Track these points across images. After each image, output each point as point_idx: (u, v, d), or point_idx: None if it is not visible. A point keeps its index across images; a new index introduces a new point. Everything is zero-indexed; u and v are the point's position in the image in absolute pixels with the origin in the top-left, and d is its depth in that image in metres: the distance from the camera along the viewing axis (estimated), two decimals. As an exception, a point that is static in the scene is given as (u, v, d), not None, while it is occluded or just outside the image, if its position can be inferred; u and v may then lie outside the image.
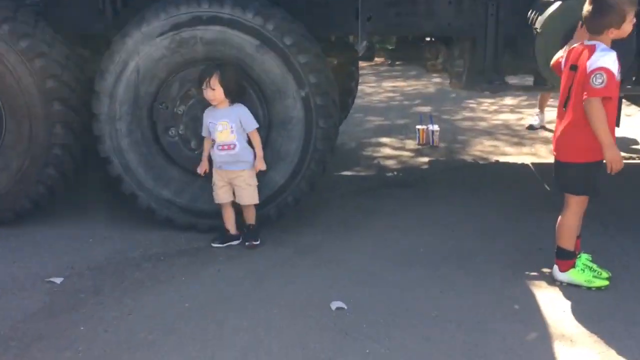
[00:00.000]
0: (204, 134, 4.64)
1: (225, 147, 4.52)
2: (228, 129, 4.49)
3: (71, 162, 5.00)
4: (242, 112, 4.53)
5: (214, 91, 4.42)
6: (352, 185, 6.04)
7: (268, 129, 4.73)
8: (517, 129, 8.33)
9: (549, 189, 5.88)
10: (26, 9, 4.91)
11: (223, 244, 4.68)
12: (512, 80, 5.82)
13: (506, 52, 5.32)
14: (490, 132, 8.15)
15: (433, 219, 5.18)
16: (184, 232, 4.88)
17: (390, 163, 6.84)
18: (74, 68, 4.97)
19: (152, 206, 4.88)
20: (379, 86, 11.68)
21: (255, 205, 4.70)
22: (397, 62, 6.40)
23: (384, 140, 7.77)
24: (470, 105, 10.01)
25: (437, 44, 5.82)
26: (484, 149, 7.38)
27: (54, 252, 4.56)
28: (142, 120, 4.76)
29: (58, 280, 4.12)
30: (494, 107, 9.70)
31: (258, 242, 4.66)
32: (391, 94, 10.96)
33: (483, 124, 8.67)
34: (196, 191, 4.80)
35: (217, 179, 4.63)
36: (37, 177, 4.89)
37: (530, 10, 4.98)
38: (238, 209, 4.70)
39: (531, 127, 8.27)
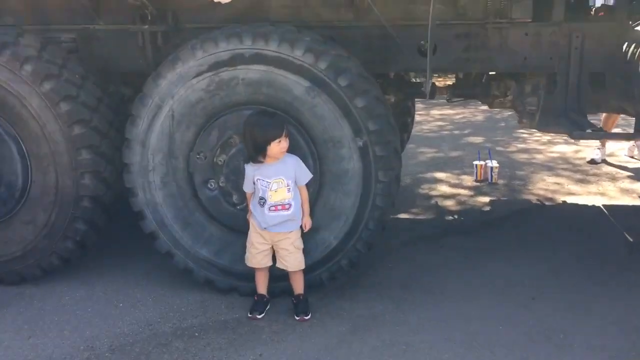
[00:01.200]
0: (247, 189, 3.52)
1: (279, 207, 3.40)
2: (284, 187, 3.38)
3: (102, 214, 3.94)
4: (297, 163, 3.43)
5: (285, 144, 3.38)
6: (411, 233, 4.82)
7: (320, 184, 3.56)
8: (577, 163, 6.95)
9: (630, 239, 4.58)
10: (55, 47, 3.89)
11: (262, 313, 3.54)
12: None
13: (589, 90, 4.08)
14: (550, 167, 6.80)
15: (505, 281, 3.93)
16: (225, 296, 3.77)
17: (448, 204, 5.58)
18: (106, 111, 3.91)
19: (190, 266, 3.77)
20: (427, 114, 10.40)
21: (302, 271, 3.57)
22: (455, 100, 5.08)
23: (440, 175, 6.52)
24: (522, 135, 8.63)
25: (506, 80, 4.57)
26: (547, 186, 6.06)
27: (77, 323, 3.48)
28: (177, 172, 3.66)
29: (71, 368, 3.05)
30: (546, 138, 8.29)
31: (309, 317, 3.49)
32: (441, 123, 9.67)
33: (540, 157, 7.31)
34: (237, 251, 3.66)
35: (258, 241, 3.49)
36: (65, 232, 3.83)
37: (627, 43, 3.71)
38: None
39: (593, 162, 6.90)
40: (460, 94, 4.79)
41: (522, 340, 3.23)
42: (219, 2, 3.98)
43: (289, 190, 3.39)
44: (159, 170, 3.65)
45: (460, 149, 7.76)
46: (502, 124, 9.40)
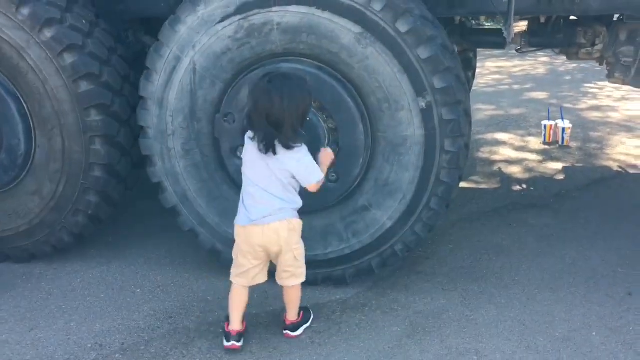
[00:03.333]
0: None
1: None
2: None
3: (117, 185, 3.40)
4: None
5: None
6: (473, 206, 4.16)
7: (372, 154, 2.93)
8: (659, 123, 6.13)
9: None
10: (58, -13, 3.30)
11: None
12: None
13: None
14: (629, 127, 5.97)
15: (591, 269, 3.26)
16: (257, 282, 3.23)
17: (514, 171, 4.87)
18: (119, 64, 3.32)
19: (218, 247, 3.22)
20: (482, 66, 9.50)
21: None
22: (530, 50, 4.29)
23: (502, 136, 5.77)
24: (591, 90, 7.75)
25: (595, 25, 3.78)
26: (628, 150, 5.26)
27: (86, 313, 2.98)
28: (201, 137, 3.07)
29: (73, 374, 2.56)
30: (620, 93, 7.40)
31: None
32: (497, 76, 8.81)
33: (615, 115, 6.46)
34: (273, 231, 3.11)
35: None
36: (75, 205, 3.32)
37: None
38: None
39: None
40: (537, 42, 4.00)
41: (625, 354, 2.60)
42: None
43: None
44: (179, 135, 3.07)
45: (522, 106, 6.96)
46: (568, 78, 8.51)
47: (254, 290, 3.14)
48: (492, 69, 9.42)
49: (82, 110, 3.15)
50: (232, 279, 2.74)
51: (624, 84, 3.88)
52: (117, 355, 2.66)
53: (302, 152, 2.55)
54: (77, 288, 3.24)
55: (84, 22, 3.21)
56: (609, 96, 7.39)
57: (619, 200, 4.20)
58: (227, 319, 2.75)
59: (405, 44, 2.72)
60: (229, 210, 3.13)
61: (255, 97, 2.49)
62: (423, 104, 2.78)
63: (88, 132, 3.19)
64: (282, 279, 2.74)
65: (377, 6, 2.70)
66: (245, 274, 2.70)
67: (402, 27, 2.71)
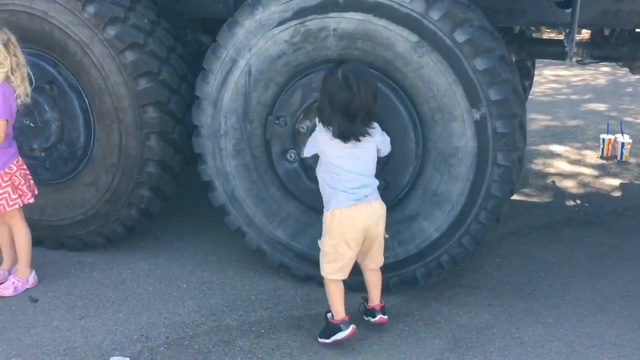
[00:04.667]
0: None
1: None
2: None
3: (170, 181, 3.48)
4: None
5: None
6: (524, 220, 4.06)
7: (422, 162, 2.90)
8: None
9: None
10: (122, -14, 3.39)
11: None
12: None
13: None
14: (693, 145, 5.74)
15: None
16: (300, 284, 3.24)
17: (568, 185, 4.74)
18: (177, 63, 3.39)
19: (263, 248, 3.25)
20: (539, 74, 9.25)
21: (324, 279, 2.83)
22: (591, 61, 4.16)
23: (557, 148, 5.62)
24: (654, 103, 7.47)
25: (662, 39, 3.64)
26: (690, 170, 5.07)
27: (134, 304, 3.06)
28: (253, 138, 3.10)
29: (118, 364, 2.63)
30: (685, 108, 7.12)
31: (327, 341, 2.74)
32: (555, 85, 8.58)
33: (679, 131, 6.22)
34: (317, 235, 3.06)
35: None
36: (129, 198, 3.41)
37: None
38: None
39: None
40: (599, 55, 3.88)
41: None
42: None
43: None
44: (231, 136, 3.11)
45: (579, 118, 6.76)
46: (629, 90, 8.21)
47: (296, 293, 3.18)
48: (550, 77, 9.18)
49: (139, 107, 3.24)
50: (329, 275, 2.74)
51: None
52: (161, 349, 2.72)
53: (378, 126, 2.71)
54: (127, 280, 3.33)
55: (145, 21, 3.29)
56: (673, 111, 7.10)
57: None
58: (327, 315, 2.79)
59: (462, 54, 2.68)
60: (276, 212, 3.18)
61: (334, 91, 2.56)
62: (477, 116, 2.73)
63: (144, 128, 3.27)
64: (376, 261, 2.81)
65: (435, 15, 2.66)
66: (346, 265, 2.73)
67: (460, 37, 2.67)
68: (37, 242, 3.63)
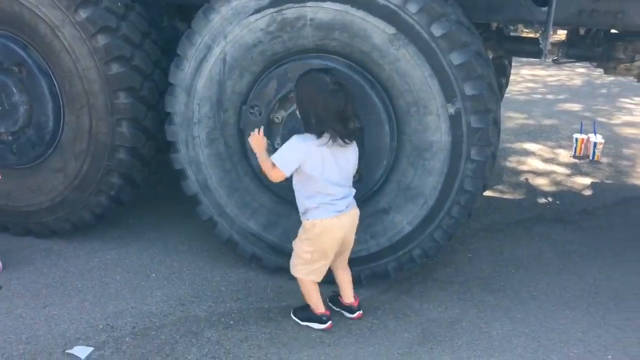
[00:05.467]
0: None
1: None
2: None
3: (141, 168, 3.43)
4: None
5: None
6: (496, 216, 4.09)
7: (396, 156, 2.90)
8: (695, 144, 5.96)
9: None
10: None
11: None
12: None
13: None
14: (663, 146, 5.84)
15: (612, 290, 3.17)
16: (272, 276, 3.22)
17: (541, 183, 4.79)
18: (151, 48, 3.33)
19: (235, 238, 3.22)
20: (517, 73, 9.34)
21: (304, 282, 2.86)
22: (567, 61, 4.20)
23: (531, 147, 5.67)
24: (627, 105, 7.56)
25: (636, 41, 3.68)
26: (660, 171, 5.16)
27: (101, 293, 3.01)
28: (227, 127, 3.06)
29: (83, 353, 2.58)
30: (658, 110, 7.25)
31: (300, 323, 2.83)
32: (532, 85, 8.65)
33: (650, 133, 6.33)
34: (290, 226, 3.08)
35: None
36: (98, 185, 3.35)
37: None
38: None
39: None
40: (574, 54, 3.91)
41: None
42: None
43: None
44: (205, 124, 3.07)
45: (554, 117, 6.83)
46: (604, 91, 8.32)
47: (268, 284, 3.16)
48: (527, 76, 9.26)
49: (111, 92, 3.17)
50: (304, 276, 2.78)
51: (661, 103, 3.78)
52: (127, 339, 2.68)
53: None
54: (94, 268, 3.28)
55: (119, 4, 3.22)
56: (645, 112, 7.22)
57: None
58: (308, 308, 2.83)
59: (439, 48, 2.68)
60: (249, 202, 3.15)
61: (328, 100, 2.51)
62: (452, 110, 2.73)
63: (115, 114, 3.21)
64: (345, 261, 2.88)
65: (413, 8, 2.65)
66: (320, 270, 2.76)
67: (437, 31, 2.66)
68: (2, 227, 3.57)
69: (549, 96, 8.02)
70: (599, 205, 4.37)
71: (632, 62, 3.77)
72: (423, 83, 2.73)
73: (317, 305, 2.80)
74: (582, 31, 3.76)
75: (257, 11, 2.83)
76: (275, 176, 2.64)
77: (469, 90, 2.70)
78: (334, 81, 2.57)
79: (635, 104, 7.62)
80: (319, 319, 2.79)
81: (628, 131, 6.34)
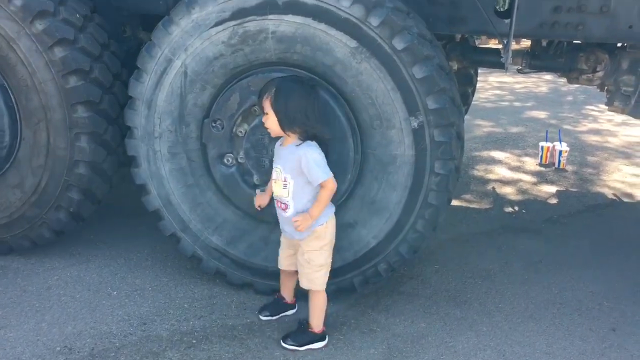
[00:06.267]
0: None
1: (279, 203, 2.70)
2: (280, 180, 2.64)
3: (101, 183, 3.34)
4: (305, 155, 2.55)
5: (267, 117, 2.60)
6: (461, 226, 4.10)
7: (360, 170, 2.87)
8: (657, 151, 6.07)
9: None
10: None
11: (274, 315, 2.93)
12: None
13: None
14: (627, 154, 5.92)
15: (577, 301, 3.18)
16: (237, 292, 3.17)
17: (508, 191, 4.82)
18: (111, 60, 3.26)
19: (199, 254, 3.16)
20: (484, 80, 9.47)
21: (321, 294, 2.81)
22: (530, 71, 4.25)
23: (498, 155, 5.72)
24: (592, 112, 7.70)
25: (597, 51, 3.72)
26: (623, 178, 5.21)
27: (59, 313, 2.92)
28: (188, 141, 3.00)
29: (38, 378, 2.50)
30: (620, 118, 7.35)
31: (294, 348, 2.73)
32: (499, 92, 8.76)
33: (614, 140, 6.41)
34: (256, 242, 3.05)
35: (283, 239, 2.86)
36: (57, 201, 3.26)
37: None
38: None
39: None
40: (537, 65, 3.94)
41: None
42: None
43: (285, 186, 2.63)
44: (166, 138, 3.01)
45: (521, 125, 6.92)
46: (569, 98, 8.46)
47: (232, 301, 3.11)
48: (494, 84, 9.37)
49: (69, 106, 3.09)
50: (325, 287, 2.78)
51: (622, 112, 3.83)
52: (85, 361, 2.61)
53: None
54: (53, 286, 3.18)
55: (77, 16, 3.14)
56: (609, 120, 7.34)
57: (611, 230, 4.14)
58: (302, 323, 2.82)
59: (401, 61, 2.66)
60: (212, 217, 3.09)
61: (309, 103, 2.57)
62: (415, 124, 2.72)
63: (74, 128, 3.13)
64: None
65: (375, 21, 2.63)
66: None
67: (398, 44, 2.65)
68: (-44, 245, 3.45)
69: (516, 103, 8.13)
70: (564, 214, 4.41)
71: (594, 72, 3.81)
72: (386, 96, 2.71)
73: (322, 320, 2.79)
74: (544, 42, 3.79)
75: (219, 24, 2.78)
76: (333, 186, 2.61)
77: (431, 103, 2.69)
78: (308, 83, 2.63)
79: (600, 111, 7.75)
80: (321, 337, 2.76)
81: (593, 139, 6.44)
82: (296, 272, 2.83)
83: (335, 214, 2.89)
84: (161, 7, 3.46)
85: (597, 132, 6.74)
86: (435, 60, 2.73)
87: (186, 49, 2.85)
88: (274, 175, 2.66)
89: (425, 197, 2.82)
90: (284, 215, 2.67)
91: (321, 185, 2.57)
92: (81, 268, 3.37)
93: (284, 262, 2.86)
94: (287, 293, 2.99)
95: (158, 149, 3.03)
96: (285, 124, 2.57)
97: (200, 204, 3.09)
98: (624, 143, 6.31)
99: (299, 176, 2.59)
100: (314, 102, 2.59)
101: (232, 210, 3.07)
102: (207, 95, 2.92)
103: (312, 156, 2.54)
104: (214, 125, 2.94)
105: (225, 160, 2.99)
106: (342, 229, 2.93)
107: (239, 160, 2.99)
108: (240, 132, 2.95)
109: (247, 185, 3.00)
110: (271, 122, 2.59)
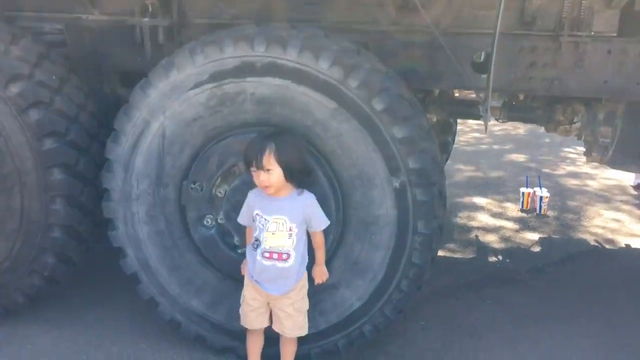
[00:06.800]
0: (243, 221, 2.79)
1: (275, 255, 2.65)
2: (285, 231, 2.62)
3: (77, 246, 3.25)
4: (310, 204, 2.65)
5: (270, 174, 2.56)
6: (446, 278, 4.04)
7: (342, 231, 2.82)
8: (634, 194, 6.12)
9: None
10: (30, 40, 3.19)
11: None
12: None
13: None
14: (606, 198, 5.96)
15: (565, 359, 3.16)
16: (218, 356, 3.07)
17: (491, 239, 4.80)
18: (88, 121, 3.22)
19: (178, 318, 3.07)
20: (463, 123, 9.50)
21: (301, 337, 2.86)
22: (507, 121, 4.30)
23: (480, 201, 5.72)
24: (570, 155, 7.79)
25: (574, 103, 3.77)
26: (604, 223, 5.23)
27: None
28: (167, 203, 2.95)
29: None
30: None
31: None
32: (478, 135, 8.81)
33: (593, 184, 6.47)
34: (236, 305, 2.94)
35: (251, 296, 2.76)
36: (31, 266, 3.16)
37: None
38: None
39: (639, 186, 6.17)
40: (515, 116, 3.98)
41: None
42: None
43: (290, 236, 2.62)
44: (144, 200, 2.95)
45: (501, 169, 6.96)
46: (547, 140, 8.53)
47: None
48: (473, 126, 9.45)
49: (44, 169, 3.02)
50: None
51: (601, 163, 3.87)
52: None
53: None
54: (25, 356, 3.05)
55: (53, 77, 3.12)
56: (587, 163, 7.41)
57: (596, 280, 4.11)
58: None
59: (381, 122, 2.65)
60: (192, 280, 3.02)
61: (302, 153, 2.65)
62: (397, 184, 2.70)
63: (49, 191, 3.05)
64: None
65: (353, 83, 2.63)
66: None
67: (378, 105, 2.64)
68: None
69: (495, 146, 8.20)
70: (548, 262, 4.39)
71: (572, 123, 3.86)
72: (367, 157, 2.69)
73: None
74: (521, 95, 3.84)
75: (197, 86, 2.76)
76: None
77: (412, 163, 2.67)
78: (291, 132, 2.69)
79: (577, 154, 7.83)
80: None
81: (572, 182, 6.49)
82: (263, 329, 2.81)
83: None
84: (139, 64, 3.47)
85: (575, 175, 6.80)
86: (415, 121, 2.72)
87: (164, 111, 2.82)
88: (272, 227, 2.61)
89: (409, 257, 2.78)
90: (282, 267, 2.64)
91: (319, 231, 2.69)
92: (55, 335, 3.24)
93: (256, 322, 2.78)
94: (256, 356, 2.89)
95: (136, 212, 2.97)
96: (290, 174, 2.59)
97: (179, 267, 3.01)
98: (602, 186, 6.36)
99: (302, 225, 2.64)
100: (305, 147, 2.68)
101: (212, 272, 3.00)
102: (185, 156, 2.88)
103: (316, 202, 2.68)
104: (193, 186, 2.89)
105: (204, 222, 2.94)
106: (326, 290, 2.88)
107: (219, 221, 2.93)
108: (220, 192, 2.90)
109: (228, 246, 2.95)
110: (275, 177, 2.57)
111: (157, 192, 2.93)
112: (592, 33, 3.15)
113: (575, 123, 3.84)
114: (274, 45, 2.67)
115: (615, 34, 3.18)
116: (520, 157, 7.54)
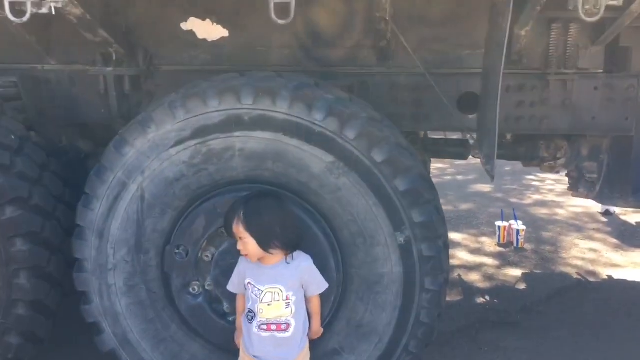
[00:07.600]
0: (233, 289, 2.55)
1: (273, 326, 2.42)
2: (281, 301, 2.39)
3: (44, 322, 2.92)
4: (307, 269, 2.44)
5: (244, 243, 2.36)
6: (441, 323, 3.89)
7: (344, 292, 2.62)
8: (605, 221, 6.17)
9: None
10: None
11: None
12: None
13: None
14: (578, 227, 5.97)
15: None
16: None
17: (474, 278, 4.68)
18: (52, 181, 2.91)
19: (163, 398, 2.80)
20: (423, 154, 9.59)
21: None
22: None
23: (455, 237, 5.62)
24: (533, 182, 7.86)
25: (557, 139, 3.72)
26: (582, 254, 5.21)
27: None
28: (148, 271, 2.68)
29: None
30: (561, 187, 7.50)
31: None
32: (440, 165, 8.83)
33: (562, 212, 6.50)
34: (229, 379, 2.73)
35: None
36: (-7, 348, 2.85)
37: None
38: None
39: (607, 213, 6.22)
40: (499, 154, 3.90)
41: None
42: (205, 40, 3.13)
43: (288, 305, 2.40)
44: (122, 270, 2.67)
45: (470, 200, 6.93)
46: (508, 168, 8.60)
47: None
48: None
49: (5, 240, 2.71)
50: None
51: (587, 198, 3.83)
52: None
53: None
54: None
55: (12, 137, 2.83)
56: (551, 190, 7.50)
57: (586, 316, 4.03)
58: None
59: (382, 174, 2.49)
60: (178, 354, 2.75)
61: (287, 217, 2.43)
62: (401, 239, 2.53)
63: (12, 264, 2.73)
64: None
65: (351, 134, 2.47)
66: None
67: (378, 156, 2.48)
68: None
69: (459, 177, 8.20)
70: (536, 300, 4.29)
71: (555, 160, 3.81)
72: (368, 212, 2.51)
73: None
74: (509, 135, 3.78)
75: (179, 143, 2.54)
76: None
77: (417, 216, 2.51)
78: (272, 194, 2.48)
79: (540, 181, 7.94)
80: None
81: (542, 212, 6.50)
82: None
83: (319, 340, 2.64)
84: (103, 116, 3.26)
85: (543, 204, 6.83)
86: (416, 170, 2.57)
87: (143, 171, 2.58)
88: (267, 298, 2.38)
89: (417, 316, 2.60)
90: (282, 337, 2.40)
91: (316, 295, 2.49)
92: None
93: None
94: None
95: (112, 283, 2.69)
96: (266, 243, 2.34)
97: (164, 340, 2.73)
98: (572, 215, 6.40)
99: (299, 291, 2.43)
100: (285, 209, 2.43)
101: (200, 344, 2.73)
102: (167, 219, 2.63)
103: (313, 266, 2.46)
104: (177, 251, 2.64)
105: (191, 289, 2.68)
106: (328, 356, 2.66)
107: (207, 287, 2.69)
108: (207, 256, 2.66)
109: (217, 314, 2.70)
110: (250, 247, 2.34)
111: (137, 260, 2.66)
112: (579, 70, 3.12)
113: (559, 159, 3.79)
114: (263, 97, 2.48)
115: (601, 70, 3.16)
116: (485, 188, 7.54)
